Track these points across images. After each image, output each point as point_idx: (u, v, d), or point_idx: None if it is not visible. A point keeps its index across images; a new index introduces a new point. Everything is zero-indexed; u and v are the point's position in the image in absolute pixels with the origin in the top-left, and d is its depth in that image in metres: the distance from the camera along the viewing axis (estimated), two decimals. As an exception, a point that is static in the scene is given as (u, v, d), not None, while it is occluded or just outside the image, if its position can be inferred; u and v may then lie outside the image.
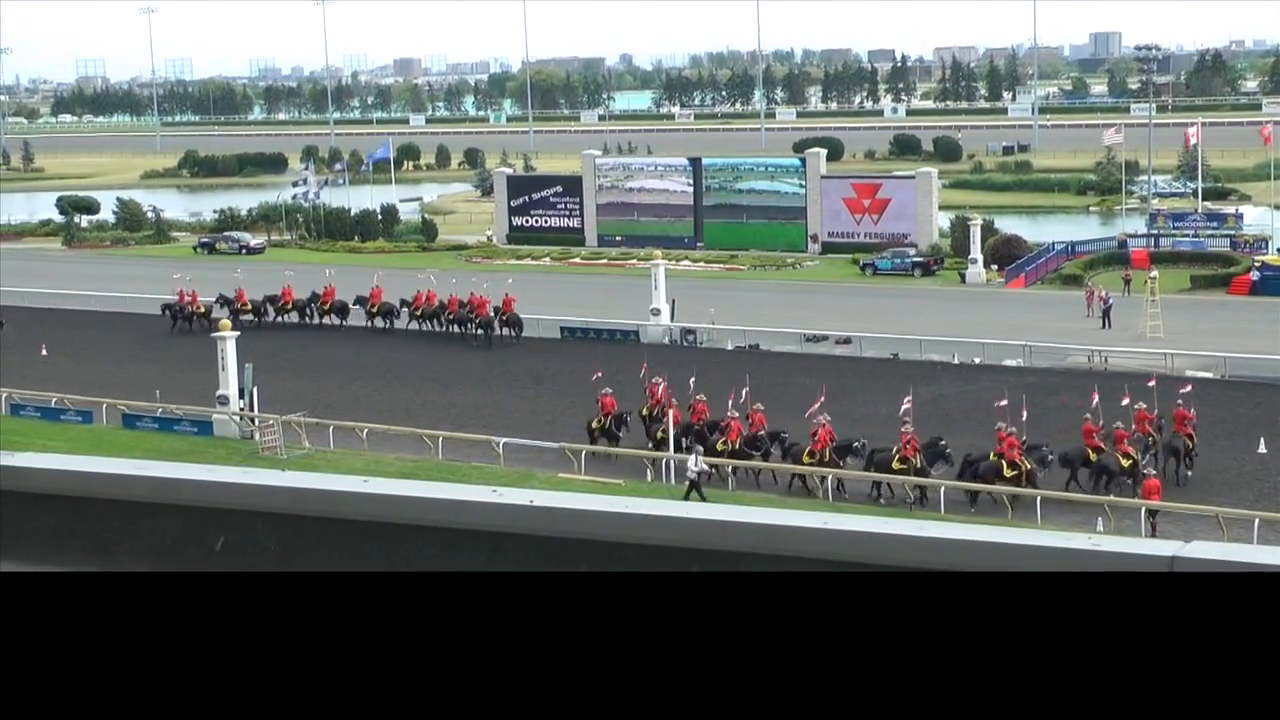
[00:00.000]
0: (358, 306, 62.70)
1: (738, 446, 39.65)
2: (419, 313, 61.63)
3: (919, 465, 37.20)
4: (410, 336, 60.41)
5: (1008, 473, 36.22)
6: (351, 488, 3.10)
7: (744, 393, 40.99)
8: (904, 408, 38.79)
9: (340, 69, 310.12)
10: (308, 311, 63.74)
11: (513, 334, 58.76)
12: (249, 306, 63.37)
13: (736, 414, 40.22)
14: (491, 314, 59.09)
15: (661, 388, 42.38)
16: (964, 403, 45.63)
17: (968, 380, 49.03)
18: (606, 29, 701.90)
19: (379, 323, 62.32)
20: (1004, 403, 38.34)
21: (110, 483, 3.27)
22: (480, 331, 59.11)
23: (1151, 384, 39.58)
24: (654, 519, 2.82)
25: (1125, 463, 36.30)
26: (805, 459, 38.56)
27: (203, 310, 62.18)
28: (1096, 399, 38.68)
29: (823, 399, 40.03)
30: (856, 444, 38.44)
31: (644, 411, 42.63)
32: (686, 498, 33.43)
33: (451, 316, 60.67)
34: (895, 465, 37.35)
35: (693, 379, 42.68)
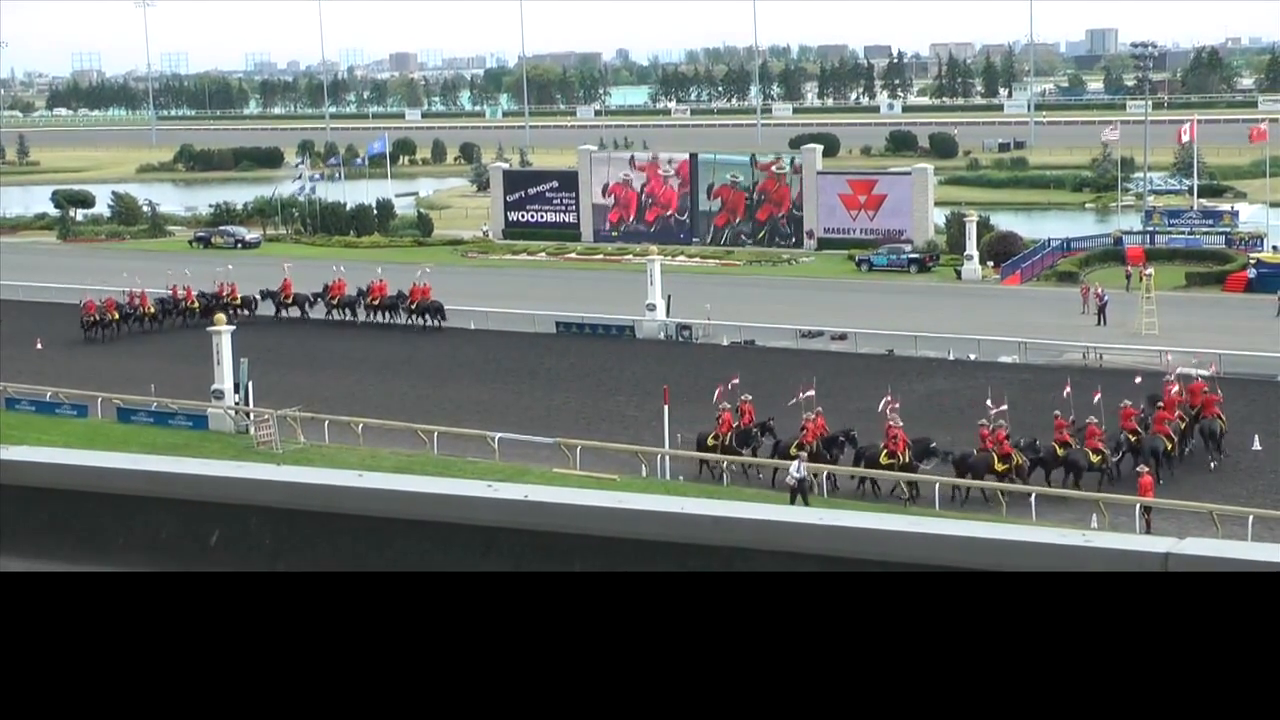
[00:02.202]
0: (267, 300, 63.07)
1: (907, 459, 37.72)
2: (335, 302, 62.40)
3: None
4: (406, 332, 60.40)
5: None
6: (346, 482, 3.10)
7: (885, 402, 39.34)
8: (805, 395, 39.55)
9: (336, 63, 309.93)
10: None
11: (435, 321, 60.58)
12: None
13: (898, 422, 38.26)
14: (428, 301, 60.82)
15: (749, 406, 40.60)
16: (958, 399, 45.64)
17: (962, 377, 49.07)
18: (603, 24, 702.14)
19: (293, 313, 62.86)
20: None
21: (105, 477, 3.27)
22: (423, 319, 60.67)
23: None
24: (649, 514, 2.82)
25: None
26: (994, 472, 36.98)
27: (116, 317, 60.95)
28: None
29: (1002, 408, 38.16)
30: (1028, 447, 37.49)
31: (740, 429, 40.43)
32: (791, 503, 32.50)
33: (376, 304, 61.65)
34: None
35: (811, 392, 40.16)
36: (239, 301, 62.82)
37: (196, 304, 62.29)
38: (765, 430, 40.16)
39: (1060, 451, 37.41)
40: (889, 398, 39.48)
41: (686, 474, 40.15)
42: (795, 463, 37.09)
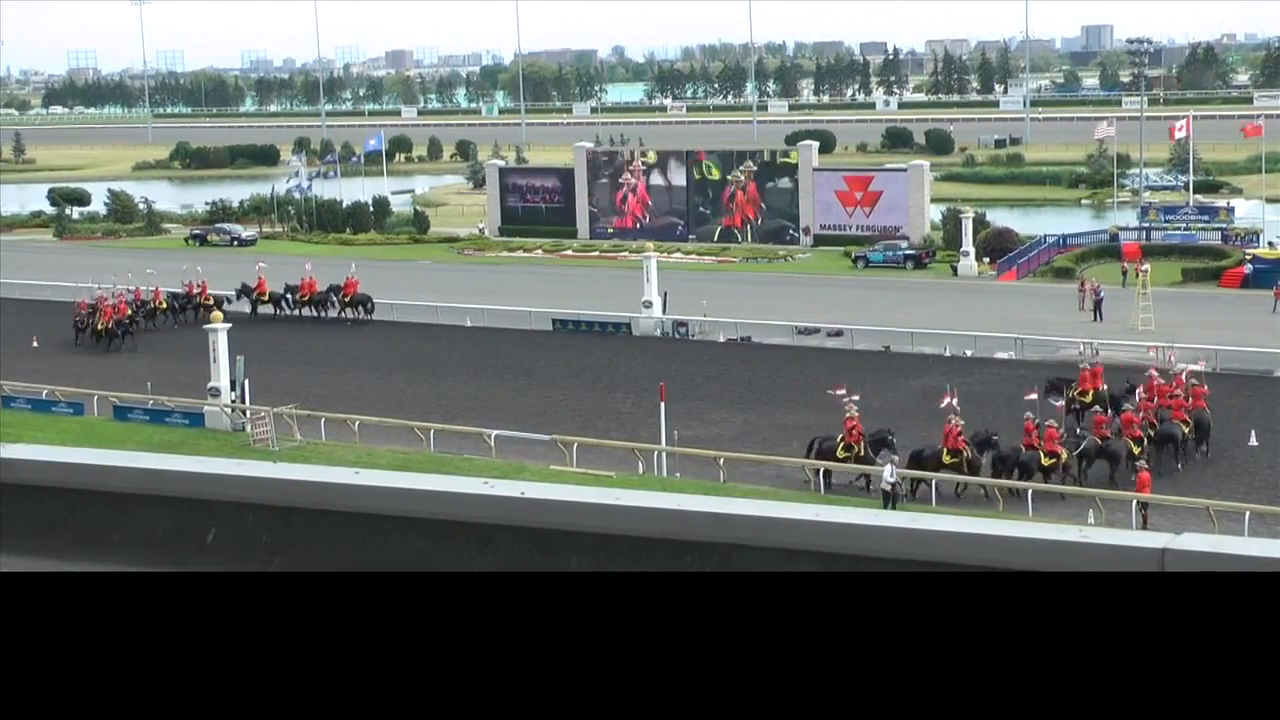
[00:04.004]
0: (176, 303, 62.25)
1: (1066, 459, 36.83)
2: (263, 299, 62.77)
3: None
4: (401, 329, 60.38)
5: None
6: (343, 479, 3.10)
7: (1032, 400, 38.26)
8: (948, 401, 38.89)
9: (332, 61, 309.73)
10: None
11: (365, 314, 62.04)
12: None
13: (1053, 422, 37.38)
14: (359, 295, 62.17)
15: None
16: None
17: (959, 373, 49.06)
18: (599, 21, 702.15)
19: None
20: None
21: (101, 475, 3.27)
22: (356, 312, 61.94)
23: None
24: (645, 511, 2.82)
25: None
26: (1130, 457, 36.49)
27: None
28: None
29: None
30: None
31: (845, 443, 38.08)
32: (885, 508, 31.33)
33: (306, 299, 62.48)
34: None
35: (951, 399, 39.08)
36: (164, 306, 62.50)
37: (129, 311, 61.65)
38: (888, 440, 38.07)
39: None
40: (1034, 395, 38.87)
41: (682, 473, 40.10)
42: (888, 468, 35.80)
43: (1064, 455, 36.76)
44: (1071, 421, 40.12)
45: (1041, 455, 36.75)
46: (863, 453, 37.71)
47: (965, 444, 37.02)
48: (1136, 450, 36.82)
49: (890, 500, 35.00)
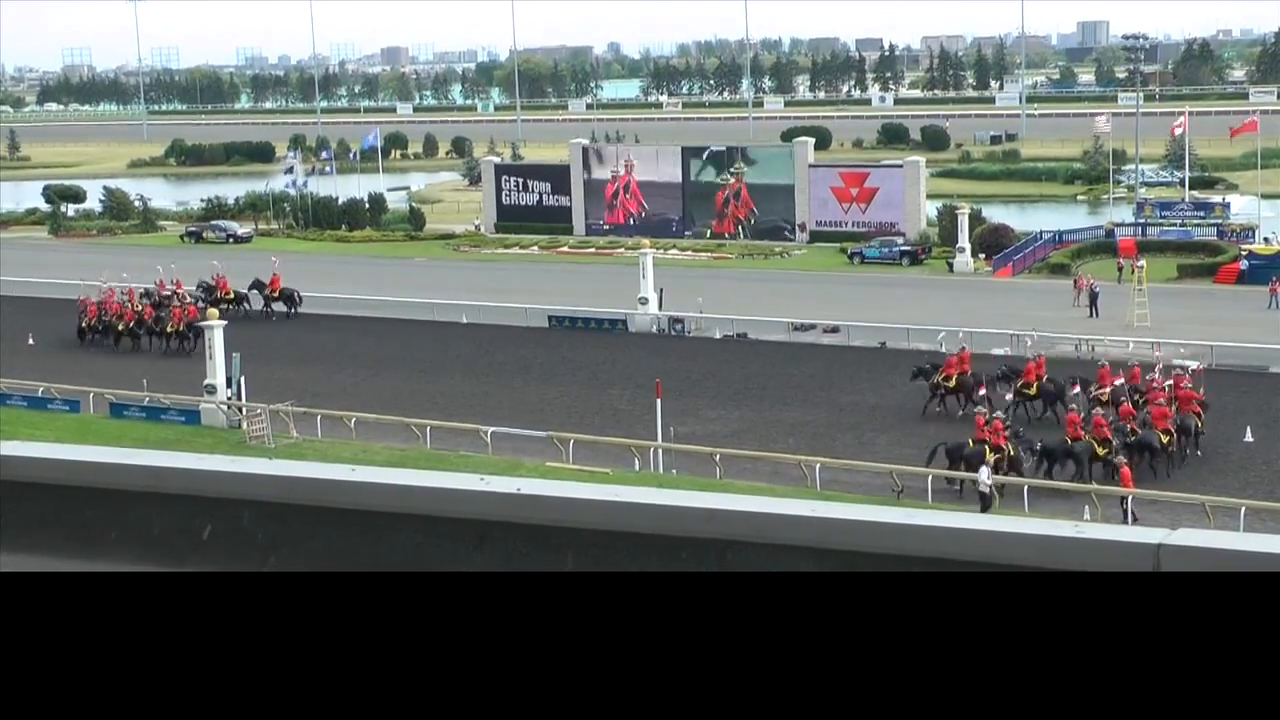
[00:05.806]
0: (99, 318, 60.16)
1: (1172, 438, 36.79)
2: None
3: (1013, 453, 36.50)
4: (396, 326, 60.34)
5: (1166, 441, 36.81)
6: (339, 476, 3.09)
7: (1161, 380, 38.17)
8: (1075, 391, 38.85)
9: (327, 58, 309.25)
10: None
11: (292, 309, 62.32)
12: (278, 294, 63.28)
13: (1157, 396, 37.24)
14: (285, 290, 62.43)
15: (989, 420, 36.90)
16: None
17: (955, 369, 49.03)
18: (594, 18, 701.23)
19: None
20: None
21: (97, 472, 3.27)
22: (286, 307, 62.23)
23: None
24: (642, 507, 2.82)
25: (992, 459, 36.43)
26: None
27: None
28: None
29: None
30: None
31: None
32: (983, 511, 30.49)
33: (224, 298, 62.01)
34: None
35: (1076, 389, 38.81)
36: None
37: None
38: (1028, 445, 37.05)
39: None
40: (1174, 371, 39.23)
41: (678, 470, 40.09)
42: (984, 470, 34.94)
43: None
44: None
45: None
46: (1013, 454, 36.03)
47: (1110, 434, 36.42)
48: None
49: (986, 503, 33.86)
